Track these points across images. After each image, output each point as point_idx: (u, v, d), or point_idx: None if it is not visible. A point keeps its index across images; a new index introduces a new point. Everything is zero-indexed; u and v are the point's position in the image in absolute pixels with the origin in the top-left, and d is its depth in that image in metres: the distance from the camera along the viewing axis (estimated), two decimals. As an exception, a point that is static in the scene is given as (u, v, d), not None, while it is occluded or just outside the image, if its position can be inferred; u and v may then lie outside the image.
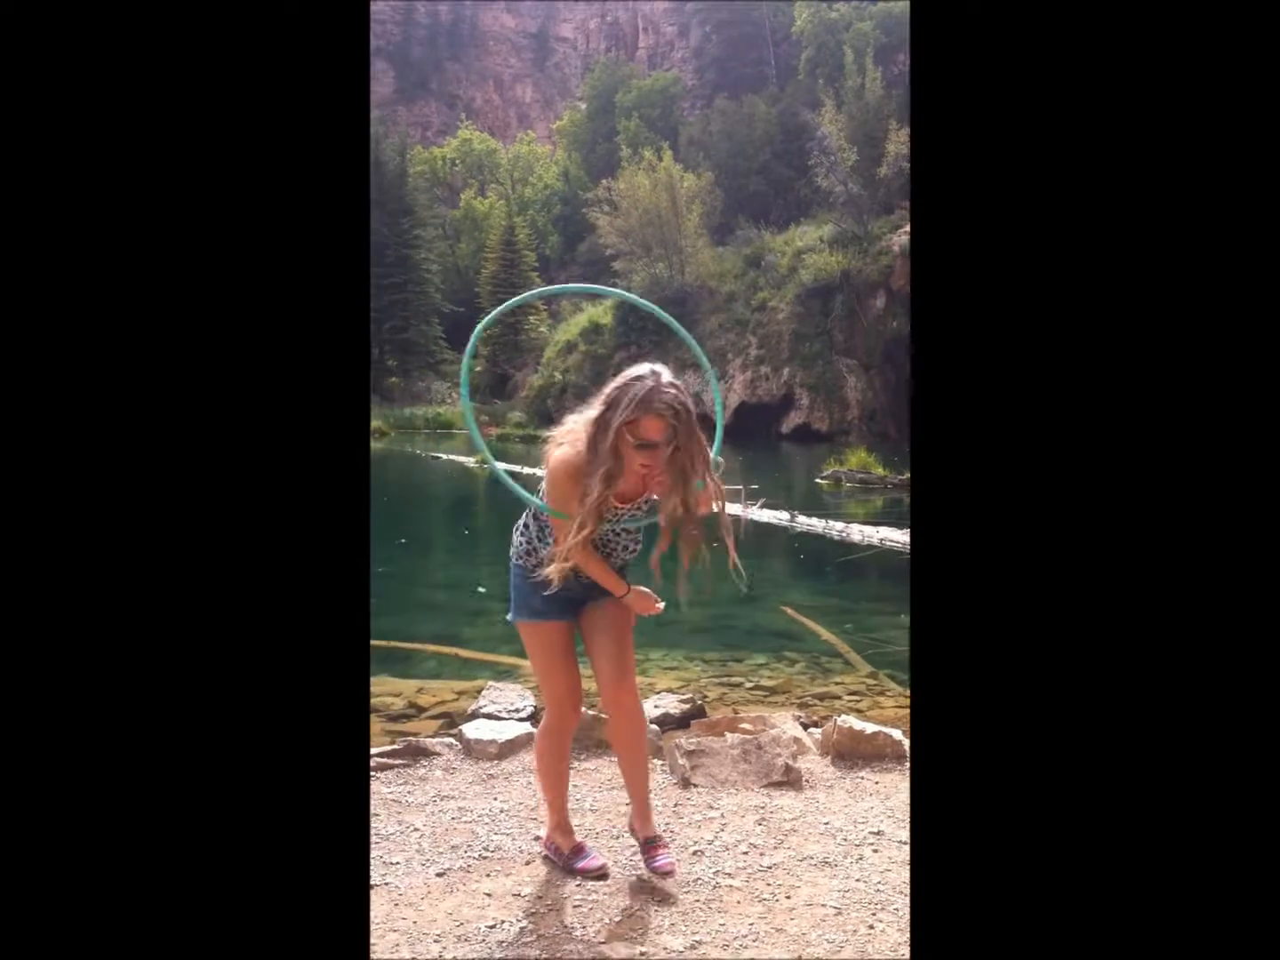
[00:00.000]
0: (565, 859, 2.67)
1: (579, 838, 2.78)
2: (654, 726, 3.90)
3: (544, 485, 2.49)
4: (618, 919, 2.39)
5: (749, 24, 50.63)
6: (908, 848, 2.80)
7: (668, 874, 2.56)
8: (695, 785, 3.29)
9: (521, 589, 2.60)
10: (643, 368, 2.37)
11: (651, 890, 2.54)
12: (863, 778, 3.42)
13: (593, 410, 2.38)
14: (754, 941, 2.29)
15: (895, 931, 2.33)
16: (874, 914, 2.42)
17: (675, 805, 3.13)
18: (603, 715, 3.85)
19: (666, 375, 2.35)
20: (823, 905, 2.47)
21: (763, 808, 3.11)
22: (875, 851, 2.79)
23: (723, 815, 3.05)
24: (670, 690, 4.94)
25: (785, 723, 3.93)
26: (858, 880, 2.61)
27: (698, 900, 2.49)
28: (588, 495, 2.34)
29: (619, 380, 2.36)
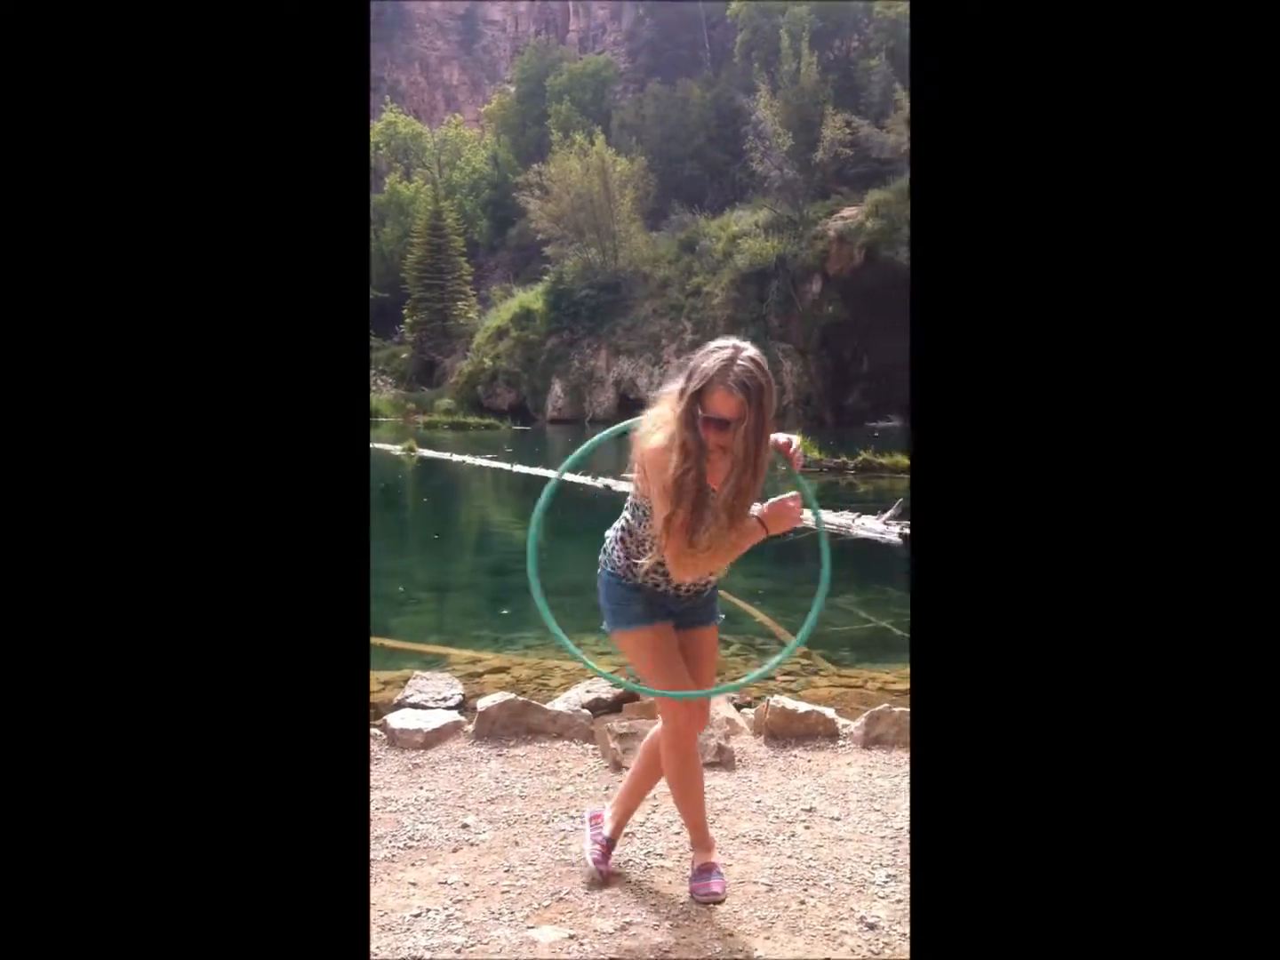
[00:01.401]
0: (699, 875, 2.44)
1: (512, 824, 2.72)
2: (585, 711, 3.86)
3: (636, 479, 2.33)
4: (546, 903, 2.35)
5: (683, 7, 50.51)
6: (839, 823, 2.81)
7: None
8: (626, 768, 3.25)
9: (617, 597, 2.41)
10: (726, 340, 2.20)
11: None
12: (795, 756, 3.41)
13: (674, 384, 2.23)
14: (685, 920, 2.27)
15: (826, 906, 2.32)
16: (805, 889, 2.41)
17: (606, 788, 3.10)
18: (533, 701, 3.80)
19: (749, 351, 2.16)
20: (754, 882, 2.45)
21: (695, 788, 3.08)
22: (807, 828, 2.78)
23: (655, 796, 3.01)
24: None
25: (718, 704, 3.92)
26: (789, 857, 2.60)
27: (628, 881, 2.46)
28: (669, 473, 2.16)
29: (699, 351, 2.21)
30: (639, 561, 2.36)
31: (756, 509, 2.27)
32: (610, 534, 2.48)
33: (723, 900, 2.35)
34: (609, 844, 2.53)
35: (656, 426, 2.25)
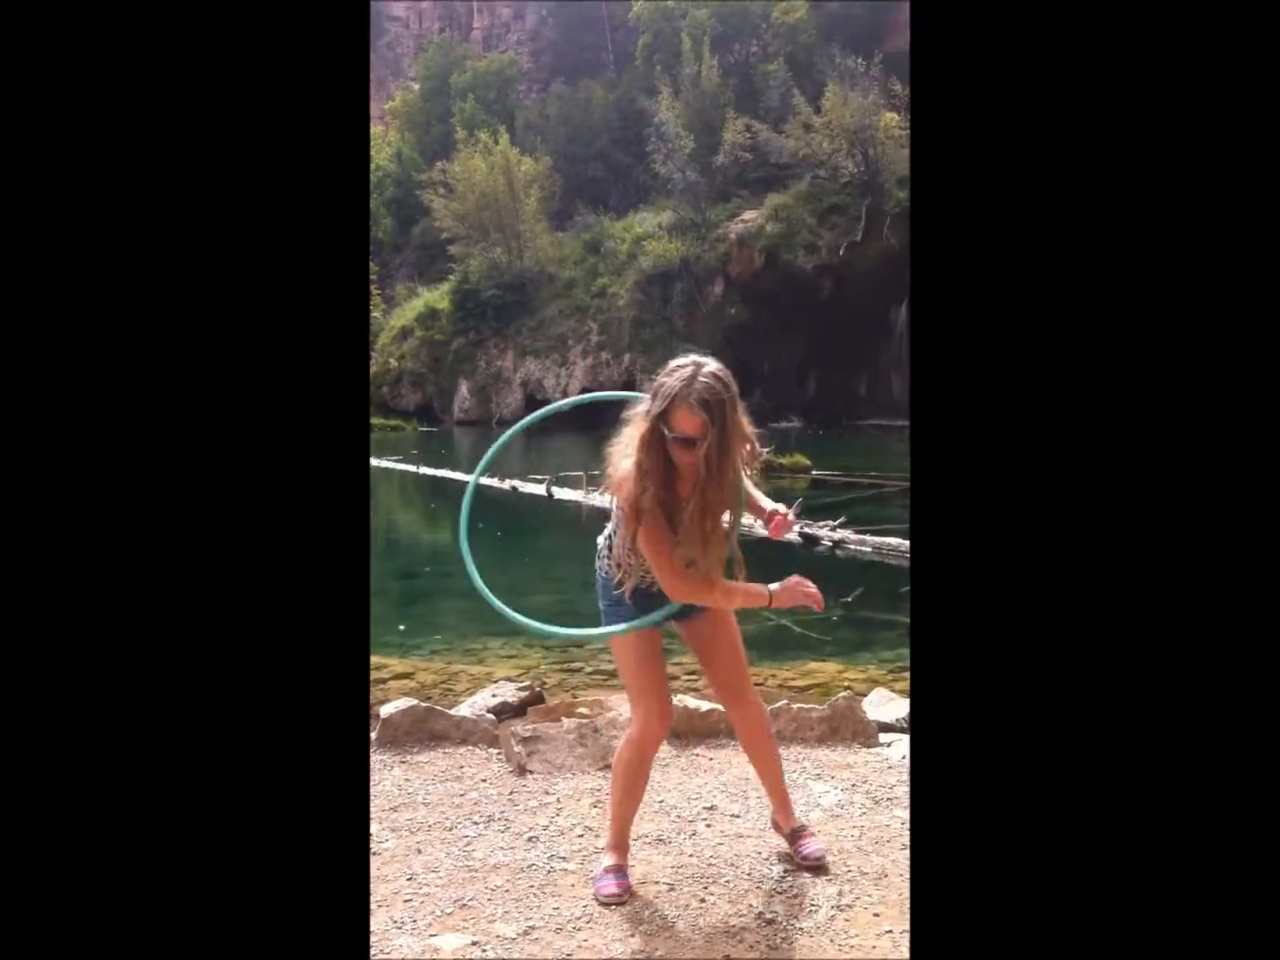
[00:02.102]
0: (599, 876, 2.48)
1: (415, 831, 2.71)
2: (490, 716, 3.86)
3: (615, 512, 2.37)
4: (449, 911, 2.35)
5: (586, 8, 50.52)
6: (739, 820, 2.87)
7: (819, 861, 2.52)
8: (531, 772, 3.27)
9: (609, 599, 2.47)
10: (685, 358, 2.20)
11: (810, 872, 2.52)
12: (697, 754, 3.47)
13: (641, 406, 2.23)
14: (587, 923, 2.30)
15: (726, 904, 2.37)
16: (705, 887, 2.46)
17: (510, 793, 3.11)
18: (436, 707, 3.79)
19: (710, 366, 2.16)
20: (655, 882, 2.49)
21: (598, 790, 3.11)
22: (708, 826, 2.84)
23: (558, 800, 3.04)
24: (508, 678, 4.91)
25: (622, 705, 3.95)
26: (690, 855, 2.65)
27: (531, 886, 2.48)
28: (636, 495, 2.18)
29: (663, 370, 2.20)
30: (620, 578, 2.43)
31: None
32: (601, 539, 2.53)
33: (623, 900, 2.39)
34: (617, 869, 2.48)
35: (626, 450, 2.26)
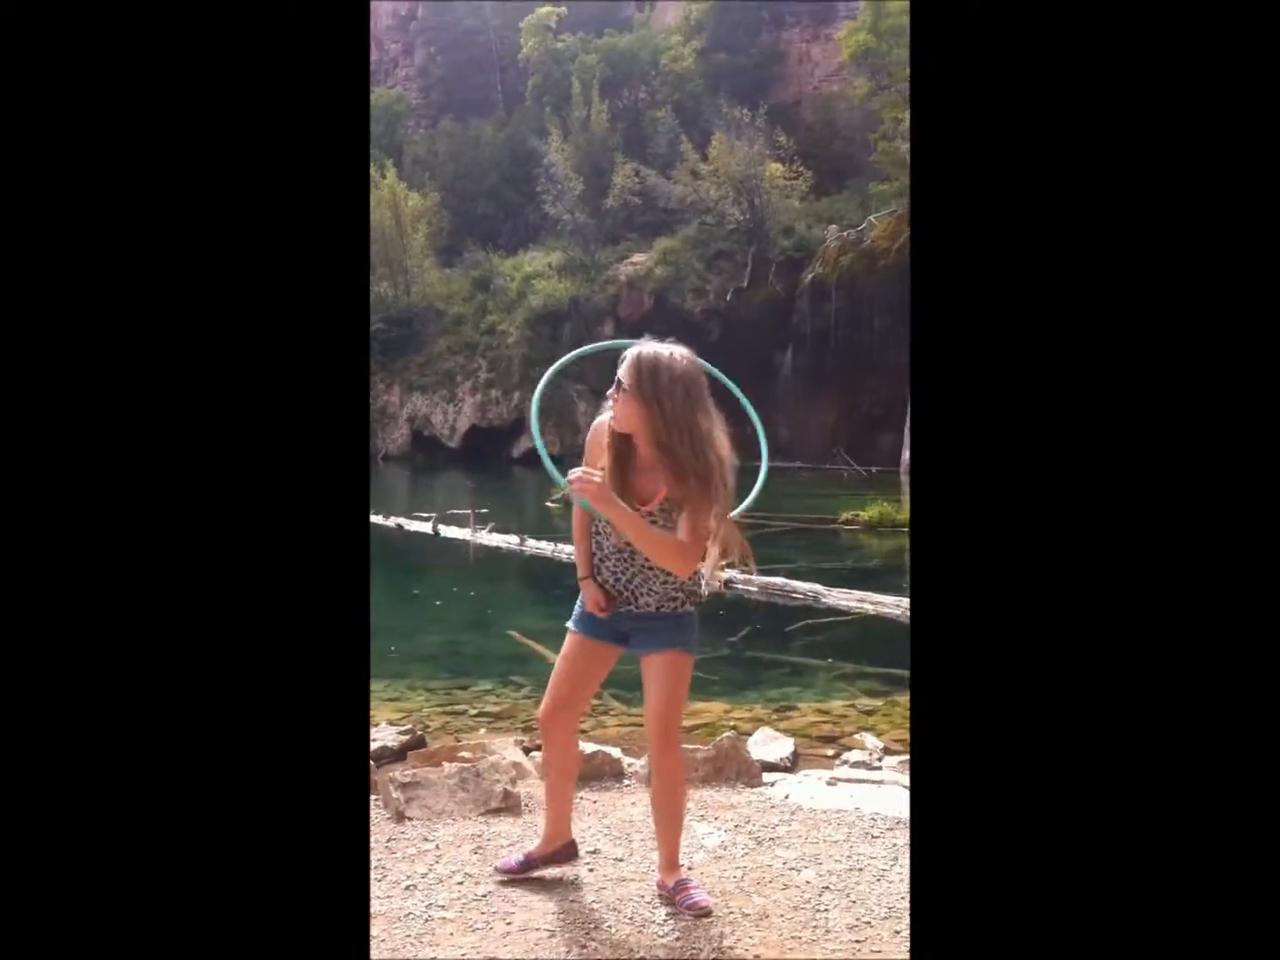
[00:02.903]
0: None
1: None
2: (369, 761, 3.76)
3: None
4: None
5: (475, 47, 50.65)
6: (622, 864, 2.85)
7: (704, 910, 2.49)
8: (410, 818, 3.19)
9: (580, 599, 2.63)
10: (651, 348, 2.38)
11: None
12: (581, 798, 3.43)
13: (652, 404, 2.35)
14: (467, 974, 2.24)
15: (608, 949, 2.35)
16: (587, 933, 2.43)
17: (388, 840, 3.02)
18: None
19: (638, 348, 2.37)
20: (537, 929, 2.45)
21: (480, 835, 3.06)
22: (591, 870, 2.81)
23: (438, 847, 2.97)
24: (390, 722, 4.79)
25: (506, 748, 3.90)
26: (572, 901, 2.61)
27: (408, 935, 2.41)
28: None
29: (654, 372, 2.35)
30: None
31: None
32: (663, 586, 2.55)
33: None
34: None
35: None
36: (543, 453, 2.51)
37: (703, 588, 2.59)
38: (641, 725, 5.05)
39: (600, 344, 2.96)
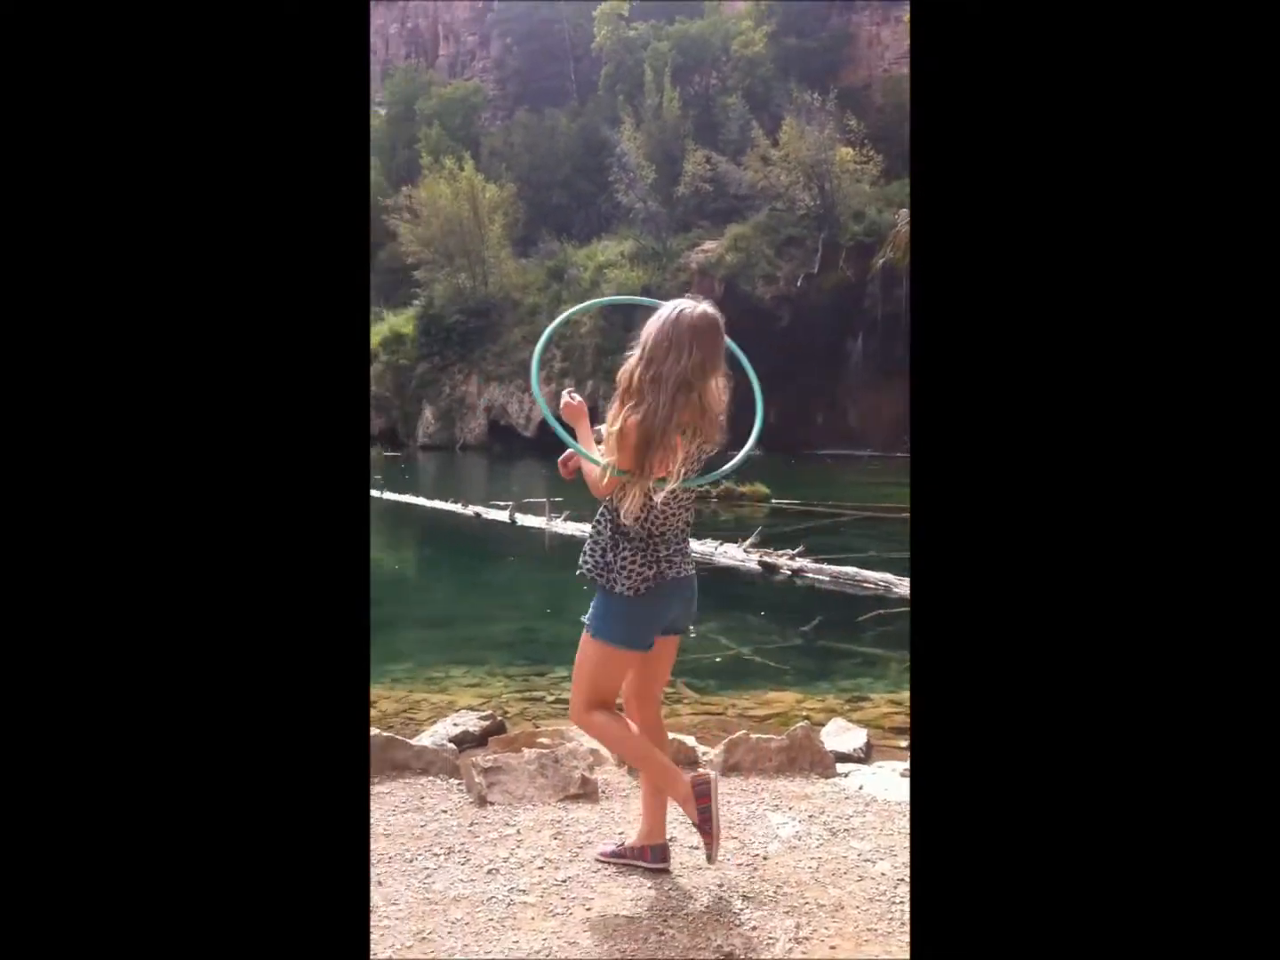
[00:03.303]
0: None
1: (375, 863, 2.73)
2: (451, 745, 3.87)
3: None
4: (409, 944, 2.36)
5: (550, 37, 50.89)
6: (697, 852, 2.89)
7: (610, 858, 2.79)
8: (492, 803, 3.28)
9: (621, 612, 2.58)
10: (674, 304, 2.58)
11: None
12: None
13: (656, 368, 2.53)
14: (547, 956, 2.31)
15: (685, 936, 2.40)
16: (664, 920, 2.48)
17: (471, 824, 3.12)
18: (397, 736, 3.79)
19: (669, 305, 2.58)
20: (615, 915, 2.51)
21: (559, 821, 3.13)
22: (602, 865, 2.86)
23: (519, 831, 3.06)
24: (470, 708, 4.91)
25: (582, 736, 3.97)
26: (650, 888, 2.67)
27: (491, 919, 2.49)
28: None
29: (669, 327, 2.54)
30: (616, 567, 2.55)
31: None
32: (602, 557, 2.60)
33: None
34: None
35: None
36: (540, 402, 2.74)
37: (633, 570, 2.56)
38: (716, 713, 5.12)
39: (610, 299, 3.06)
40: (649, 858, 2.77)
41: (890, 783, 3.58)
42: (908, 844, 2.92)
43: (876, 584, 8.61)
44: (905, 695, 5.59)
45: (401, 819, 3.19)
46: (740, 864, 2.82)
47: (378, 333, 38.99)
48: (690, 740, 3.83)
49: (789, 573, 9.48)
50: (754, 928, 2.44)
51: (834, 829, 3.08)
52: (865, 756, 4.05)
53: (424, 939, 2.39)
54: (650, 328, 2.53)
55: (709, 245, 32.74)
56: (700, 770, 2.82)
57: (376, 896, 2.60)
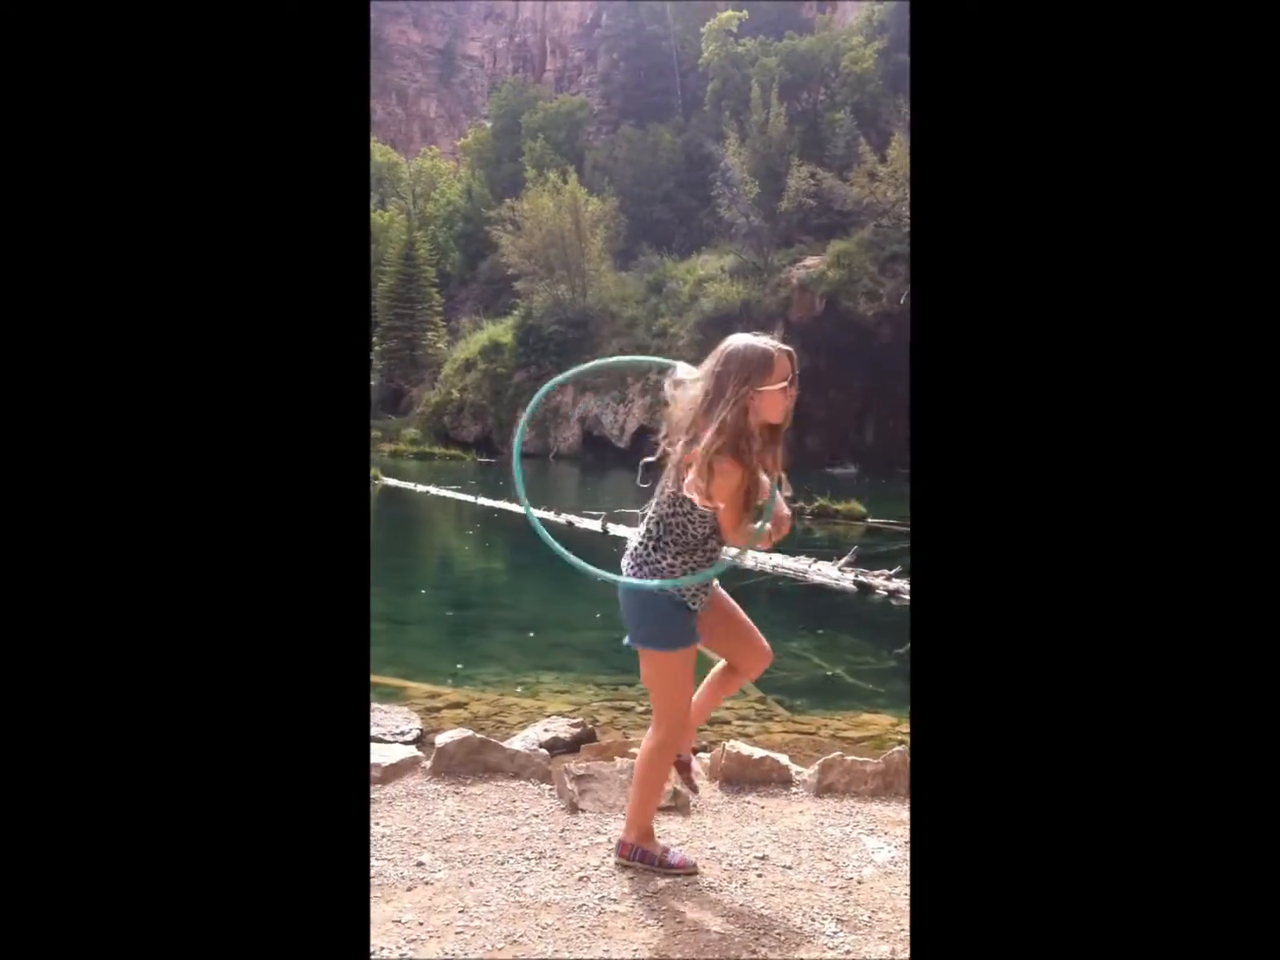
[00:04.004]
0: (658, 859, 2.79)
1: (467, 864, 2.74)
2: (543, 750, 3.88)
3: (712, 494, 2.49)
4: (500, 946, 2.36)
5: (657, 53, 51.34)
6: (790, 872, 2.84)
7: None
8: (583, 810, 3.27)
9: (664, 616, 2.63)
10: (733, 338, 2.55)
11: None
12: (749, 802, 3.45)
13: (708, 399, 2.49)
14: (637, 967, 2.29)
15: (777, 955, 2.35)
16: (756, 938, 2.44)
17: (562, 830, 3.11)
18: (490, 739, 3.81)
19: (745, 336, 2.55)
20: (707, 930, 2.48)
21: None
22: (759, 876, 2.82)
23: (610, 840, 3.04)
24: (561, 714, 4.92)
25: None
26: (741, 905, 2.63)
27: (582, 926, 2.48)
28: (748, 457, 2.45)
29: (722, 359, 2.51)
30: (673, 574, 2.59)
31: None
32: (647, 557, 2.62)
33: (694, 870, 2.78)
34: (663, 848, 2.83)
35: (703, 412, 2.52)
36: (518, 472, 2.81)
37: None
38: (808, 732, 5.04)
39: (619, 359, 2.97)
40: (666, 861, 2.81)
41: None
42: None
43: (975, 609, 8.39)
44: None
45: (494, 821, 3.20)
46: (834, 886, 2.76)
47: (477, 341, 39.80)
48: (784, 759, 3.77)
49: (885, 593, 9.31)
50: (847, 951, 2.38)
51: (931, 857, 3.00)
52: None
53: (514, 942, 2.39)
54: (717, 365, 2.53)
55: (811, 261, 32.55)
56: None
57: (469, 897, 2.61)
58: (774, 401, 2.46)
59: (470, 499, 18.04)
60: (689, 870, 2.78)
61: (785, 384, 2.47)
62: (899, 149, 30.98)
